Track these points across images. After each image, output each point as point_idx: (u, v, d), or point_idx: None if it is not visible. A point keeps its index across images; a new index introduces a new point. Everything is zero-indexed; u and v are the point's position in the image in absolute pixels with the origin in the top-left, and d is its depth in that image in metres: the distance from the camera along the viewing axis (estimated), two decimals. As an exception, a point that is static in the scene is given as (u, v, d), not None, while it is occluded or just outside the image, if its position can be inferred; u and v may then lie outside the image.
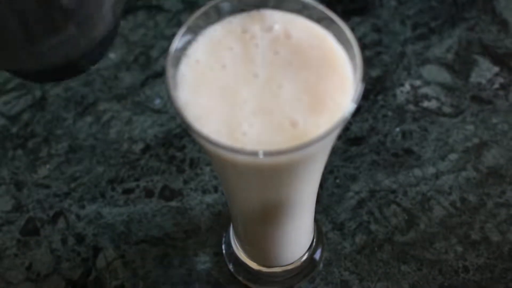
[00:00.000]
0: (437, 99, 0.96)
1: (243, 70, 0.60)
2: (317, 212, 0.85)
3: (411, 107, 0.96)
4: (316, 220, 0.83)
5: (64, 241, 0.88)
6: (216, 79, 0.60)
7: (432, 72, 0.99)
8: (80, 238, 0.88)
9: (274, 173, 0.60)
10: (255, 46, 0.61)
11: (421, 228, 0.87)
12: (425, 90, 0.97)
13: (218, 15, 0.62)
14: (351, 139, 0.94)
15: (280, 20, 0.62)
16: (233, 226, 0.83)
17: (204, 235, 0.88)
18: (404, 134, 0.94)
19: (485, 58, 0.99)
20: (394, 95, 0.97)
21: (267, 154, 0.55)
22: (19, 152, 0.94)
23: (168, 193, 0.91)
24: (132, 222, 0.89)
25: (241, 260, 0.85)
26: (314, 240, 0.85)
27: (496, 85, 0.97)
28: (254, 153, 0.55)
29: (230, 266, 0.86)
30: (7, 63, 0.57)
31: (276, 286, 0.85)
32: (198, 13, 0.61)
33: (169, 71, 0.59)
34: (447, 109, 0.96)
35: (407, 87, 0.97)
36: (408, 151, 0.93)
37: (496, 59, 1.00)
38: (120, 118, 0.96)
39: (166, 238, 0.88)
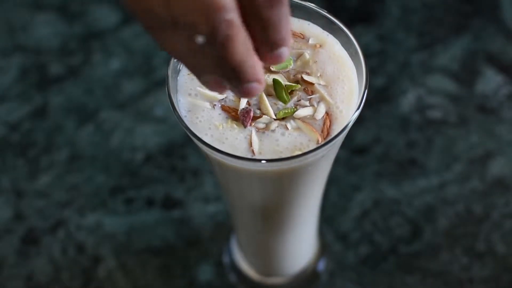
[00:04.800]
0: (442, 108, 0.96)
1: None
2: (320, 222, 0.85)
3: (415, 116, 0.95)
4: (320, 231, 0.82)
5: (64, 251, 0.87)
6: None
7: (437, 81, 0.98)
8: (80, 248, 0.88)
9: (277, 181, 0.60)
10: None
11: (425, 239, 0.87)
12: (429, 99, 0.97)
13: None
14: (355, 149, 0.93)
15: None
16: (235, 235, 0.83)
17: (206, 245, 0.87)
18: (408, 144, 0.93)
19: (490, 68, 0.99)
20: (398, 105, 0.96)
21: (270, 162, 0.55)
22: (20, 160, 0.94)
23: (169, 203, 0.90)
24: (133, 232, 0.88)
25: (243, 271, 0.85)
26: (318, 250, 0.84)
27: (501, 95, 0.97)
28: (256, 161, 0.55)
29: (232, 277, 0.86)
30: None
31: (278, 297, 0.85)
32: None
33: (171, 79, 0.58)
34: (451, 119, 0.95)
35: (411, 96, 0.97)
36: (412, 161, 0.92)
37: (501, 69, 0.99)
38: (122, 127, 0.96)
39: (167, 248, 0.87)
